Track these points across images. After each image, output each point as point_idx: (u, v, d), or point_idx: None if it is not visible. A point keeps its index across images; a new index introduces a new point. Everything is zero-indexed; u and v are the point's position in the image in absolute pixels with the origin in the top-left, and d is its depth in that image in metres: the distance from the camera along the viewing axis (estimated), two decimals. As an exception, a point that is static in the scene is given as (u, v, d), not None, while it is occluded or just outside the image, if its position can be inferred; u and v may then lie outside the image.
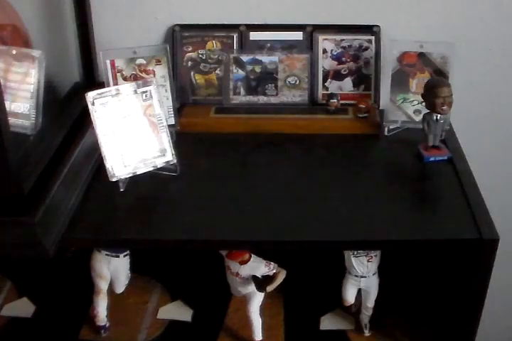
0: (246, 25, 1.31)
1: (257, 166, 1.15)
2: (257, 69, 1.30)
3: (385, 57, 1.27)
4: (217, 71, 1.32)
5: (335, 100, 1.26)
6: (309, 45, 1.31)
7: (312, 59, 1.30)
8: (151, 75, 1.18)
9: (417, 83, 1.21)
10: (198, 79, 1.33)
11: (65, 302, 1.28)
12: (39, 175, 0.96)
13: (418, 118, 1.19)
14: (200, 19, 1.31)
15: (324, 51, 1.31)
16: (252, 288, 1.15)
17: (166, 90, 1.19)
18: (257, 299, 1.17)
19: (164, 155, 1.07)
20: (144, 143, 1.05)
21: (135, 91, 1.04)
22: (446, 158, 1.14)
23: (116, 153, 1.03)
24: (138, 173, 1.05)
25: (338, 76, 1.32)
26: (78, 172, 1.05)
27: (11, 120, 0.97)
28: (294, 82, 1.30)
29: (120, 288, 1.23)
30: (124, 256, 1.19)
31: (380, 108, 1.29)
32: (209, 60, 1.32)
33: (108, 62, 1.17)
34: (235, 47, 1.31)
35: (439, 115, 1.12)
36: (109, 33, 1.31)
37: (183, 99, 1.32)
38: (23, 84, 1.03)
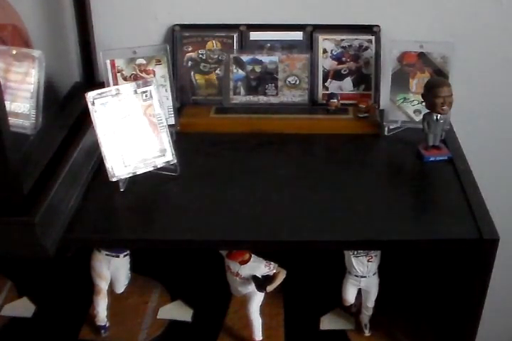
0: (246, 25, 1.31)
1: (257, 166, 1.15)
2: (257, 69, 1.30)
3: (385, 57, 1.27)
4: (217, 71, 1.32)
5: (335, 100, 1.26)
6: (309, 45, 1.31)
7: (312, 59, 1.30)
8: (151, 75, 1.18)
9: (417, 83, 1.21)
10: (198, 79, 1.33)
11: (65, 302, 1.28)
12: (39, 175, 0.96)
13: (418, 118, 1.19)
14: (200, 19, 1.31)
15: (324, 51, 1.31)
16: (252, 288, 1.15)
17: (166, 90, 1.19)
18: (257, 299, 1.17)
19: (164, 155, 1.07)
20: (144, 143, 1.05)
21: (135, 91, 1.04)
22: (446, 157, 1.14)
23: (117, 153, 1.03)
24: (138, 173, 1.05)
25: (338, 76, 1.32)
26: (78, 172, 1.05)
27: (11, 120, 0.97)
28: (294, 82, 1.30)
29: (120, 288, 1.23)
30: (124, 256, 1.19)
31: (380, 108, 1.29)
32: (209, 60, 1.32)
33: (108, 62, 1.17)
34: (235, 47, 1.31)
35: (439, 115, 1.12)
36: (109, 33, 1.31)
37: (183, 99, 1.32)
38: (23, 84, 1.03)
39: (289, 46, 1.31)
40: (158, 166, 1.07)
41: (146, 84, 1.05)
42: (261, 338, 1.19)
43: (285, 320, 1.25)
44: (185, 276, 1.34)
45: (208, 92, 1.34)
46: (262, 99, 1.31)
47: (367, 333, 1.21)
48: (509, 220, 1.27)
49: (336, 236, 0.97)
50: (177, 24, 1.31)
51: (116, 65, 1.18)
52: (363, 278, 1.15)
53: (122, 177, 1.04)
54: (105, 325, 1.22)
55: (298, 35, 1.31)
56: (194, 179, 1.10)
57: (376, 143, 1.23)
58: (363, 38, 1.30)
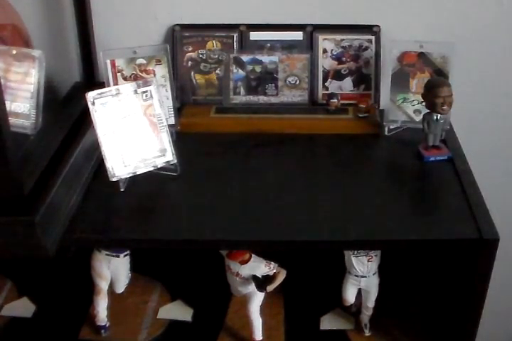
0: (246, 25, 1.31)
1: (257, 166, 1.15)
2: (257, 69, 1.30)
3: (385, 57, 1.27)
4: (218, 71, 1.32)
5: (335, 100, 1.26)
6: (309, 45, 1.31)
7: (312, 59, 1.30)
8: (152, 75, 1.18)
9: (417, 83, 1.21)
10: (198, 79, 1.33)
11: (65, 302, 1.28)
12: (39, 174, 0.96)
13: (418, 118, 1.19)
14: (200, 19, 1.31)
15: (324, 51, 1.31)
16: (252, 287, 1.15)
17: (166, 90, 1.19)
18: (257, 299, 1.17)
19: (164, 155, 1.07)
20: (144, 143, 1.05)
21: (135, 91, 1.04)
22: (446, 157, 1.14)
23: (117, 153, 1.03)
24: (138, 173, 1.05)
25: (338, 76, 1.32)
26: (78, 172, 1.05)
27: (12, 120, 0.97)
28: (294, 82, 1.30)
29: (120, 288, 1.23)
30: (124, 255, 1.19)
31: (380, 108, 1.29)
32: (209, 60, 1.32)
33: (108, 62, 1.17)
34: (235, 47, 1.31)
35: (439, 115, 1.12)
36: (109, 33, 1.31)
37: (184, 98, 1.32)
38: (24, 84, 1.03)
39: (289, 46, 1.31)
40: (159, 166, 1.07)
41: (146, 84, 1.05)
42: (261, 338, 1.19)
43: (285, 319, 1.25)
44: (185, 276, 1.34)
45: (208, 92, 1.34)
46: (262, 99, 1.31)
47: (367, 333, 1.21)
48: (509, 220, 1.27)
49: (336, 236, 0.97)
50: (177, 24, 1.31)
51: (116, 65, 1.18)
52: (363, 278, 1.15)
53: (122, 177, 1.04)
54: (105, 325, 1.22)
55: (298, 35, 1.31)
56: (194, 179, 1.10)
57: (376, 143, 1.23)
58: (363, 38, 1.30)
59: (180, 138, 1.18)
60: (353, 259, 1.13)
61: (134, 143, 1.04)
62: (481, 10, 1.29)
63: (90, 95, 1.00)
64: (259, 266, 1.13)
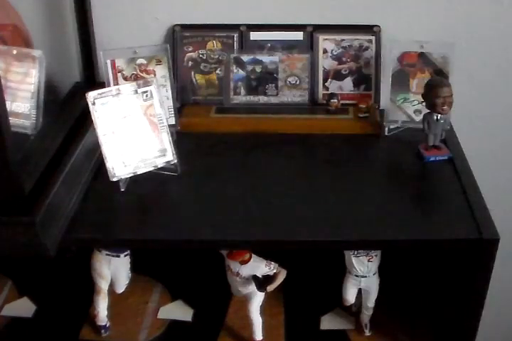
0: (246, 25, 1.31)
1: (257, 166, 1.15)
2: (258, 69, 1.30)
3: (385, 57, 1.27)
4: (218, 71, 1.32)
5: (335, 100, 1.26)
6: (309, 45, 1.31)
7: (312, 59, 1.30)
8: (152, 75, 1.18)
9: (417, 83, 1.21)
10: (199, 79, 1.33)
11: (65, 302, 1.28)
12: (39, 174, 0.96)
13: (418, 118, 1.19)
14: (200, 19, 1.31)
15: (324, 51, 1.31)
16: (252, 287, 1.15)
17: (166, 90, 1.19)
18: (258, 299, 1.17)
19: (165, 155, 1.07)
20: (144, 143, 1.05)
21: (135, 91, 1.04)
22: (446, 157, 1.14)
23: (117, 153, 1.03)
24: (138, 173, 1.05)
25: (338, 76, 1.32)
26: (79, 172, 1.05)
27: (12, 120, 0.97)
28: (294, 82, 1.30)
29: (121, 288, 1.23)
30: (125, 255, 1.19)
31: (381, 108, 1.29)
32: (209, 60, 1.32)
33: (108, 62, 1.18)
34: (235, 47, 1.31)
35: (439, 115, 1.12)
36: (109, 33, 1.31)
37: (184, 99, 1.32)
38: (24, 84, 1.03)
39: (289, 46, 1.31)
40: (159, 166, 1.07)
41: (146, 84, 1.05)
42: (261, 338, 1.20)
43: (285, 319, 1.25)
44: (185, 276, 1.34)
45: (208, 92, 1.34)
46: (263, 99, 1.31)
47: (367, 333, 1.22)
48: (509, 220, 1.27)
49: (336, 236, 0.97)
50: (177, 24, 1.31)
51: (116, 65, 1.18)
52: (363, 277, 1.15)
53: (123, 177, 1.04)
54: (106, 325, 1.22)
55: (298, 35, 1.31)
56: (194, 179, 1.10)
57: (376, 143, 1.23)
58: (363, 38, 1.30)
59: (181, 138, 1.18)
60: (353, 259, 1.13)
61: (134, 143, 1.04)
62: (481, 10, 1.29)
63: (91, 95, 1.00)
64: (260, 266, 1.13)
